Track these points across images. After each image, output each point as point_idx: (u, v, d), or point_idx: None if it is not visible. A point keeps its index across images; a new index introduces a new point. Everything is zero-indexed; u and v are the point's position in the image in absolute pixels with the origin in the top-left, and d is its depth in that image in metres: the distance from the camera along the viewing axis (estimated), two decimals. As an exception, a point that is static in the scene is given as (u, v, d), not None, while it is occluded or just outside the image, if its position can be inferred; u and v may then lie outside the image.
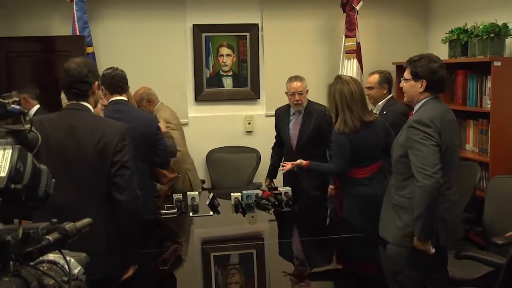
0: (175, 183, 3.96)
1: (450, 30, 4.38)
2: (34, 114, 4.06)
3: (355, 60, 4.92)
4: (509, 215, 3.24)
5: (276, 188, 3.79)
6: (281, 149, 4.26)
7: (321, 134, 3.88)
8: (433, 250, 2.60)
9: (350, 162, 3.29)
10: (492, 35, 3.89)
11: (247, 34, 5.14)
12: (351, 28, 4.94)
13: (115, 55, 4.68)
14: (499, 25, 3.90)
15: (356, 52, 4.92)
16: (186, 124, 5.07)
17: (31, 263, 0.99)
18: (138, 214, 2.32)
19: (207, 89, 5.16)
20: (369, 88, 4.07)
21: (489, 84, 3.92)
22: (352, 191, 3.36)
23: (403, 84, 2.79)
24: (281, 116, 4.17)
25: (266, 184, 4.35)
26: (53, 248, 0.98)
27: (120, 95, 3.21)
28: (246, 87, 5.18)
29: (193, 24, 5.04)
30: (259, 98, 5.22)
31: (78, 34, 4.54)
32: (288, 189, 3.65)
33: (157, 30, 4.97)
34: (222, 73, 5.17)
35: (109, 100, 3.24)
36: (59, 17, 4.76)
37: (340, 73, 4.91)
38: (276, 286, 2.52)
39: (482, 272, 2.94)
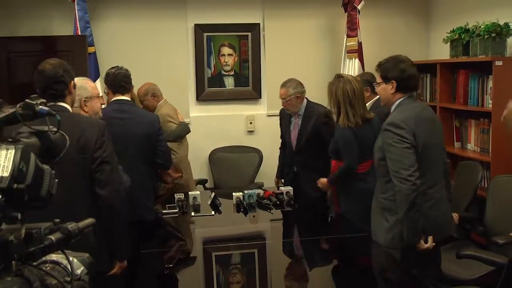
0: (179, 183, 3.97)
1: (452, 30, 4.38)
2: None
3: (357, 60, 4.92)
4: (510, 215, 3.24)
5: (277, 188, 3.80)
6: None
7: (320, 136, 3.85)
8: (426, 245, 2.60)
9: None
10: (493, 34, 3.89)
11: (249, 33, 5.14)
12: (352, 28, 4.94)
13: (117, 55, 4.68)
14: (501, 24, 3.90)
15: (358, 52, 4.92)
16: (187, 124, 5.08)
17: (34, 263, 0.99)
18: (120, 209, 2.33)
19: (208, 88, 5.16)
20: None
21: (490, 84, 3.91)
22: (349, 186, 3.41)
23: (377, 89, 2.82)
24: (284, 117, 4.17)
25: (276, 184, 4.31)
26: (55, 248, 0.98)
27: (123, 94, 3.21)
28: (248, 86, 5.18)
29: (195, 24, 5.04)
30: (260, 97, 5.23)
31: (79, 34, 4.54)
32: (289, 188, 3.65)
33: (158, 30, 4.97)
34: (223, 72, 5.17)
35: (112, 100, 3.24)
36: (60, 17, 4.77)
37: (341, 72, 4.90)
38: (277, 286, 2.53)
39: (483, 271, 2.94)
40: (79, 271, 1.07)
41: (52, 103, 2.30)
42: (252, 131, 5.18)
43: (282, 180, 4.26)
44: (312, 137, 3.87)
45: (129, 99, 3.26)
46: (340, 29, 5.15)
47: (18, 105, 1.07)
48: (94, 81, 4.54)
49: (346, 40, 5.00)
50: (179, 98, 5.04)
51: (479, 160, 3.95)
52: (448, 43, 4.44)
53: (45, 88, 2.29)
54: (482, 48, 4.01)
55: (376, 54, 5.13)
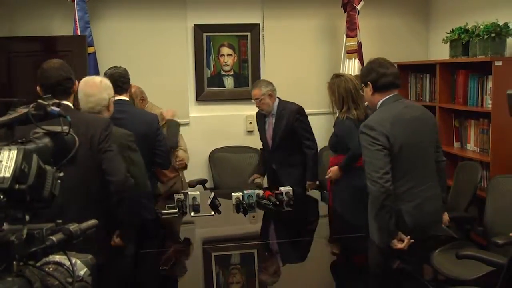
0: (176, 182, 3.97)
1: (451, 30, 4.38)
2: None
3: (356, 60, 4.92)
4: (510, 215, 3.24)
5: (277, 188, 3.80)
6: None
7: (294, 132, 4.03)
8: (400, 245, 2.61)
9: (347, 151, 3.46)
10: (493, 34, 3.89)
11: (248, 34, 5.14)
12: (352, 28, 4.94)
13: (116, 55, 4.67)
14: (500, 24, 3.90)
15: (357, 52, 4.93)
16: (187, 124, 5.09)
17: (37, 264, 0.99)
18: (129, 193, 2.42)
19: (208, 89, 5.16)
20: None
21: (490, 84, 3.92)
22: (344, 182, 3.51)
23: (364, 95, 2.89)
24: (259, 118, 4.32)
25: (253, 178, 4.46)
26: (57, 248, 0.99)
27: (120, 94, 3.20)
28: (247, 87, 5.17)
29: (194, 24, 5.04)
30: (260, 98, 5.22)
31: (79, 34, 4.54)
32: (289, 189, 3.65)
33: (158, 30, 4.97)
34: (223, 73, 5.17)
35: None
36: (60, 17, 4.76)
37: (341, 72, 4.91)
38: (277, 286, 2.53)
39: (483, 271, 2.93)
40: (82, 272, 1.07)
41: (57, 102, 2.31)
42: (251, 131, 5.18)
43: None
44: (287, 134, 4.05)
45: (127, 99, 3.26)
46: (339, 29, 5.15)
47: (31, 106, 1.08)
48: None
49: (346, 40, 4.99)
50: (179, 98, 5.04)
51: (478, 160, 3.95)
52: (448, 43, 4.44)
53: (55, 84, 2.31)
54: (481, 48, 4.01)
55: (375, 55, 5.09)
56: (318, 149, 4.66)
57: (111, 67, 3.30)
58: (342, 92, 3.47)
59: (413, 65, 4.95)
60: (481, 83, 4.09)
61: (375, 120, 2.64)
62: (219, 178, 4.99)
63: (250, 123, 5.19)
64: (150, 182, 3.40)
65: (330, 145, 3.74)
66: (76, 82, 2.45)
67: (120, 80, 3.19)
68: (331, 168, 3.65)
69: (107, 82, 2.76)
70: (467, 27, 4.21)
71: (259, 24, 5.17)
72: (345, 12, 4.99)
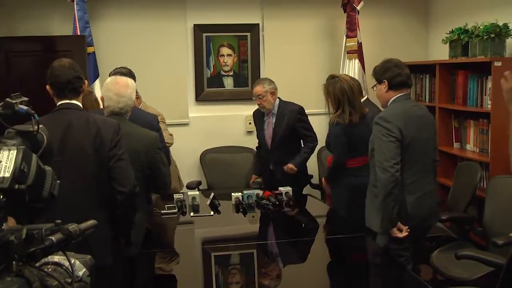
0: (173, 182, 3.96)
1: (451, 30, 4.38)
2: None
3: (357, 60, 4.92)
4: (509, 215, 3.25)
5: (276, 188, 3.81)
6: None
7: (295, 132, 4.07)
8: (400, 234, 2.77)
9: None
10: (492, 35, 3.89)
11: (248, 34, 5.14)
12: (352, 28, 4.94)
13: (116, 55, 4.68)
14: (500, 25, 3.90)
15: (358, 52, 4.92)
16: (187, 124, 5.09)
17: (36, 265, 0.99)
18: (135, 203, 2.40)
19: (207, 89, 5.16)
20: None
21: (489, 84, 3.92)
22: (340, 181, 3.55)
23: (375, 92, 3.04)
24: (257, 117, 4.32)
25: (252, 180, 4.49)
26: (56, 248, 0.99)
27: None
28: (247, 87, 5.18)
29: (194, 24, 5.04)
30: (259, 98, 5.22)
31: (79, 34, 4.54)
32: (288, 189, 3.65)
33: (158, 30, 4.97)
34: (222, 73, 5.17)
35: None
36: (59, 17, 4.76)
37: (341, 73, 4.91)
38: (277, 286, 2.53)
39: (482, 272, 2.94)
40: (80, 273, 1.07)
41: (68, 101, 2.31)
42: (251, 132, 5.17)
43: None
44: (287, 134, 4.07)
45: None
46: (339, 30, 5.15)
47: None
48: (93, 81, 4.55)
49: (346, 40, 4.99)
50: (178, 98, 5.04)
51: (478, 160, 3.96)
52: (447, 44, 4.44)
53: (67, 82, 2.30)
54: (481, 48, 4.01)
55: (375, 55, 5.13)
56: (318, 149, 4.70)
57: (116, 68, 3.30)
58: (337, 93, 3.48)
59: (412, 65, 4.92)
60: (481, 84, 4.09)
61: (390, 113, 2.83)
62: (218, 178, 4.97)
63: (250, 123, 5.18)
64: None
65: (326, 145, 3.83)
66: (86, 81, 2.44)
67: None
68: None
69: (134, 83, 2.82)
70: (466, 28, 4.21)
71: (258, 24, 5.17)
72: (345, 12, 4.99)
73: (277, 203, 3.51)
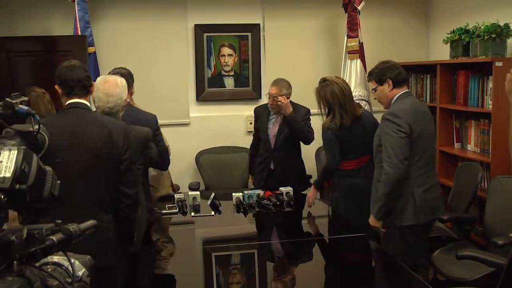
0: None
1: (452, 31, 4.38)
2: None
3: (358, 61, 4.92)
4: (510, 216, 3.25)
5: (277, 188, 3.81)
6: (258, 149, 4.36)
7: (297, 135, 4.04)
8: (382, 229, 2.93)
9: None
10: (493, 35, 3.89)
11: (249, 34, 5.14)
12: (353, 29, 4.93)
13: (117, 55, 4.68)
14: (501, 25, 3.90)
15: (359, 53, 4.92)
16: (187, 124, 5.09)
17: (36, 265, 0.99)
18: (138, 205, 2.44)
19: (208, 89, 5.16)
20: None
21: (490, 85, 3.92)
22: (339, 182, 3.56)
23: (374, 95, 3.11)
24: (261, 114, 4.27)
25: (252, 181, 4.48)
26: (56, 248, 0.99)
27: None
28: (248, 87, 5.18)
29: (195, 24, 5.04)
30: (260, 98, 5.22)
31: (79, 34, 4.54)
32: (289, 189, 3.65)
33: (158, 30, 4.97)
34: (223, 73, 5.17)
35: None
36: (60, 16, 4.76)
37: (343, 73, 4.92)
38: (277, 286, 2.53)
39: (483, 272, 2.94)
40: (80, 273, 1.07)
41: (77, 100, 2.31)
42: (251, 132, 5.17)
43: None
44: (291, 135, 4.03)
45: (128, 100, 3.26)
46: (340, 30, 5.15)
47: None
48: (94, 81, 4.54)
49: (347, 40, 4.98)
50: (179, 98, 5.05)
51: (479, 160, 3.95)
52: (448, 44, 4.44)
53: (78, 80, 2.31)
54: (482, 49, 4.01)
55: (376, 55, 5.15)
56: (316, 149, 4.71)
57: (115, 68, 3.30)
58: (328, 97, 3.44)
59: (413, 65, 4.94)
60: (482, 84, 4.09)
61: (399, 108, 2.90)
62: (218, 178, 4.96)
63: (251, 123, 5.18)
64: (148, 184, 3.43)
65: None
66: (93, 82, 2.44)
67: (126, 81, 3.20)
68: (308, 197, 3.70)
69: (124, 82, 2.76)
70: (467, 28, 4.21)
71: (259, 24, 5.17)
72: (346, 12, 4.98)
73: (277, 203, 3.51)
